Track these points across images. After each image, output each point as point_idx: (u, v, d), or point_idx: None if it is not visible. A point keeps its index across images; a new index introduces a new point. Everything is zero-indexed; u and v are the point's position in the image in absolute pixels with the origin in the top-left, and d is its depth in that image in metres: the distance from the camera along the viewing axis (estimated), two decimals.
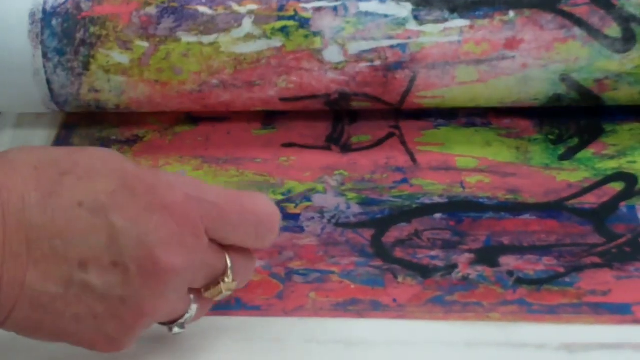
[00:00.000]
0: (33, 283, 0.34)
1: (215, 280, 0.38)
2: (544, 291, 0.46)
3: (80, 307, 0.34)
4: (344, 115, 0.56)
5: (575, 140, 0.54)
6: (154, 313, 0.36)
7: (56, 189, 0.34)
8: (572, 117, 0.55)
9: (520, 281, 0.47)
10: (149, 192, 0.35)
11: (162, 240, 0.35)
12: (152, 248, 0.34)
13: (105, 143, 0.55)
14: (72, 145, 0.55)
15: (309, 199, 0.52)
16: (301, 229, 0.50)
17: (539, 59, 0.50)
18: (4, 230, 0.33)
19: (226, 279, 0.38)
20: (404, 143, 0.55)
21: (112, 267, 0.34)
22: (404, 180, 0.53)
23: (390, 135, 0.55)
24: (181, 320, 0.39)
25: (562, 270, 0.47)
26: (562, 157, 0.53)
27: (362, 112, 0.56)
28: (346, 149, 0.55)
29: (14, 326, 0.35)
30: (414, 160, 0.54)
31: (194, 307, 0.38)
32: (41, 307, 0.34)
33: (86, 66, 0.51)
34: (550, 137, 0.54)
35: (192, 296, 0.38)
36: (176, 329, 0.39)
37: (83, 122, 0.57)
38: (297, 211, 0.51)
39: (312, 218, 0.51)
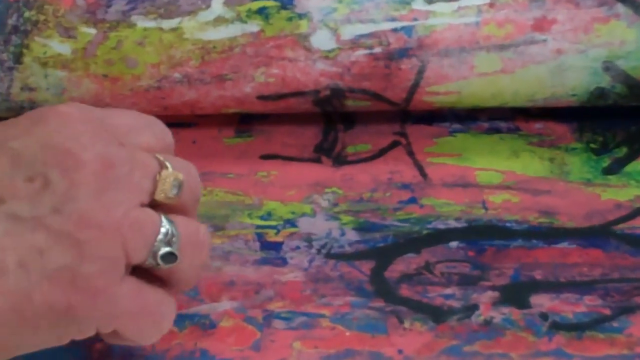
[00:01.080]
0: None
1: (156, 180, 0.39)
2: (586, 339, 0.45)
3: (18, 249, 0.35)
4: (337, 119, 0.55)
5: (624, 150, 0.53)
6: (103, 215, 0.36)
7: None
8: (619, 120, 0.54)
9: (557, 326, 0.46)
10: (34, 113, 0.38)
11: (70, 135, 0.37)
12: (62, 145, 0.36)
13: None
14: None
15: (293, 224, 0.51)
16: (284, 262, 0.49)
17: (575, 43, 0.49)
18: None
19: (166, 170, 0.39)
20: (411, 154, 0.53)
21: (29, 183, 0.36)
22: (412, 200, 0.52)
23: (394, 144, 0.54)
24: (160, 238, 0.38)
25: (608, 312, 0.46)
26: (608, 171, 0.52)
27: (359, 115, 0.54)
28: (340, 161, 0.53)
29: None
30: (424, 175, 0.53)
31: (166, 221, 0.38)
32: None
33: (18, 58, 0.50)
34: (592, 145, 0.53)
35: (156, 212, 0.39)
36: (162, 251, 0.38)
37: None
38: (278, 239, 0.50)
39: (298, 248, 0.50)
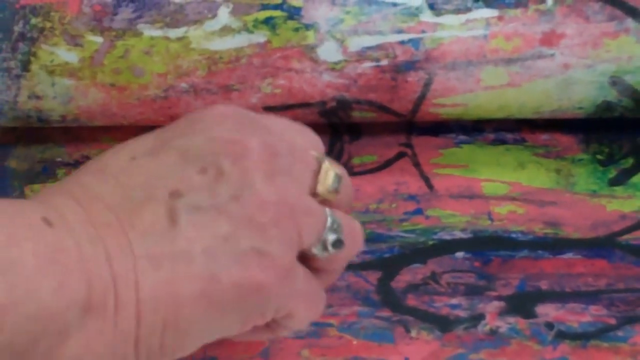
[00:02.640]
0: (138, 241, 0.37)
1: (317, 172, 0.42)
2: (591, 348, 0.47)
3: (203, 238, 0.37)
4: (343, 131, 0.56)
5: (630, 161, 0.54)
6: (279, 198, 0.39)
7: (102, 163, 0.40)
8: (626, 131, 0.54)
9: (562, 335, 0.48)
10: (191, 115, 0.42)
11: (232, 128, 0.40)
12: (227, 136, 0.39)
13: (48, 166, 0.55)
14: (8, 170, 0.55)
15: None
16: None
17: (583, 57, 0.50)
18: (84, 211, 0.37)
19: (325, 165, 0.42)
20: (417, 165, 0.54)
21: (203, 174, 0.38)
22: (418, 211, 0.53)
23: (400, 156, 0.55)
24: (329, 226, 0.41)
25: (613, 322, 0.48)
26: (614, 182, 0.53)
27: (365, 126, 0.55)
28: (346, 172, 0.52)
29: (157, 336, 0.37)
30: (430, 186, 0.54)
31: (328, 211, 0.41)
32: (164, 257, 0.37)
33: (26, 66, 0.51)
34: (599, 156, 0.54)
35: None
36: (331, 237, 0.41)
37: (21, 140, 0.56)
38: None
39: None
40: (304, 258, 0.41)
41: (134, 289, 0.36)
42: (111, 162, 0.39)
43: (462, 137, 0.55)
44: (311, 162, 0.42)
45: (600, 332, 0.48)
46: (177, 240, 0.37)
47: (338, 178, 0.42)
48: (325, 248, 0.41)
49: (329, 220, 0.41)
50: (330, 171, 0.42)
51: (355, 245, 0.43)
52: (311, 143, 0.44)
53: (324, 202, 0.42)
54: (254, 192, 0.38)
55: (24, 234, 0.35)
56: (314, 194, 0.41)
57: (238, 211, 0.38)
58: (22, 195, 0.55)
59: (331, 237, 0.40)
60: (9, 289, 0.34)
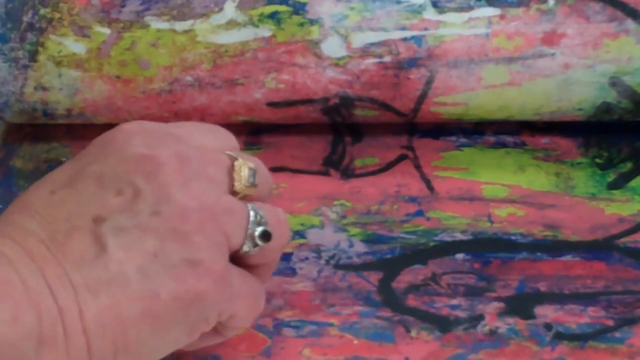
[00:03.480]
0: (73, 270, 0.37)
1: (231, 170, 0.42)
2: (589, 349, 0.47)
3: (134, 258, 0.38)
4: (345, 133, 0.56)
5: (628, 165, 0.54)
6: (198, 204, 0.39)
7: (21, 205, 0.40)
8: (625, 135, 0.55)
9: (560, 336, 0.47)
10: (99, 138, 0.42)
11: (141, 144, 0.40)
12: (137, 153, 0.39)
13: (53, 166, 0.53)
14: (13, 169, 0.56)
15: (302, 235, 0.52)
16: (293, 272, 0.50)
17: (584, 57, 0.50)
18: (20, 246, 0.38)
19: (237, 162, 0.42)
20: (418, 167, 0.55)
21: (120, 195, 0.38)
22: (419, 213, 0.53)
23: (402, 158, 0.55)
24: (252, 220, 0.41)
25: (611, 323, 0.48)
26: (612, 186, 0.53)
27: (367, 129, 0.56)
28: (348, 174, 0.55)
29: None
30: (430, 188, 0.54)
31: (250, 206, 0.41)
32: (100, 284, 0.37)
33: (33, 56, 0.51)
34: (598, 160, 0.55)
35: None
36: (257, 231, 0.41)
37: (26, 139, 0.57)
38: (288, 250, 0.51)
39: (307, 258, 0.51)
40: (237, 258, 0.41)
41: (79, 318, 0.37)
42: (33, 198, 0.40)
43: (462, 140, 0.56)
44: (224, 162, 0.42)
45: (598, 334, 0.47)
46: (109, 264, 0.37)
47: (252, 172, 0.42)
48: (254, 243, 0.41)
49: (252, 214, 0.41)
50: (244, 167, 0.42)
51: (283, 234, 0.43)
52: (223, 141, 0.44)
53: (245, 197, 0.42)
54: (173, 204, 0.39)
55: None
56: (232, 192, 0.41)
57: (161, 225, 0.38)
58: None
59: (258, 230, 0.41)
60: None
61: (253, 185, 0.42)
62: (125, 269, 0.37)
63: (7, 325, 0.35)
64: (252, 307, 0.42)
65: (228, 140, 0.44)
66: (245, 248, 0.41)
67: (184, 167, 0.40)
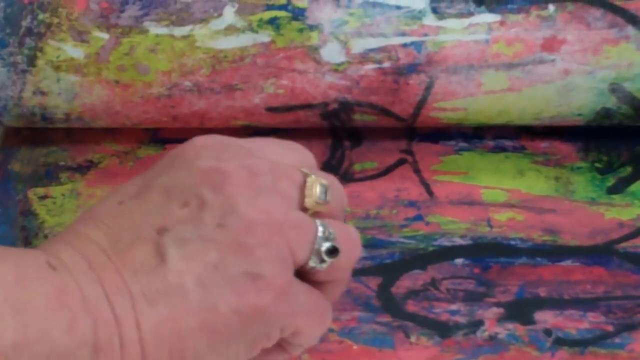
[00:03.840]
0: (132, 279, 0.37)
1: (303, 186, 0.41)
2: (588, 354, 0.47)
3: (193, 269, 0.37)
4: (344, 137, 0.56)
5: (628, 170, 0.54)
6: (265, 218, 0.39)
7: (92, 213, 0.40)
8: (624, 140, 0.55)
9: (560, 342, 0.48)
10: (171, 152, 0.41)
11: (210, 156, 0.40)
12: (206, 165, 0.39)
13: (52, 169, 0.55)
14: (11, 173, 0.56)
15: None
16: None
17: (583, 64, 0.50)
18: (81, 256, 0.38)
19: (310, 178, 0.41)
20: (418, 171, 0.55)
21: (186, 207, 0.38)
22: (418, 218, 0.53)
23: (401, 162, 0.55)
24: (320, 235, 0.40)
25: (611, 328, 0.48)
26: (612, 190, 0.54)
27: (366, 133, 0.56)
28: (347, 178, 0.55)
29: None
30: (430, 192, 0.54)
31: (319, 222, 0.40)
32: (158, 295, 0.37)
33: (32, 61, 0.51)
34: (597, 165, 0.55)
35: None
36: (324, 246, 0.40)
37: (25, 143, 0.57)
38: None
39: None
40: (304, 273, 0.41)
41: (135, 328, 0.37)
42: (101, 209, 0.40)
43: (462, 145, 0.56)
44: (295, 177, 0.41)
45: (598, 339, 0.48)
46: (168, 275, 0.37)
47: (324, 189, 0.41)
48: (321, 258, 0.40)
49: (320, 229, 0.40)
50: (316, 183, 0.41)
51: (353, 251, 0.42)
52: (299, 158, 0.43)
53: (316, 214, 0.41)
54: (239, 217, 0.38)
55: (32, 275, 0.36)
56: (303, 208, 0.41)
57: (225, 237, 0.38)
58: (25, 199, 0.56)
59: (325, 246, 0.40)
60: (22, 329, 0.35)
61: (324, 202, 0.41)
62: (184, 280, 0.37)
63: (62, 333, 0.35)
64: (317, 324, 0.42)
65: (304, 157, 0.44)
66: (312, 263, 0.40)
67: (253, 179, 0.39)
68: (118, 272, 0.37)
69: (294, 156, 0.43)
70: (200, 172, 0.39)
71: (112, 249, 0.38)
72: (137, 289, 0.37)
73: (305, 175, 0.41)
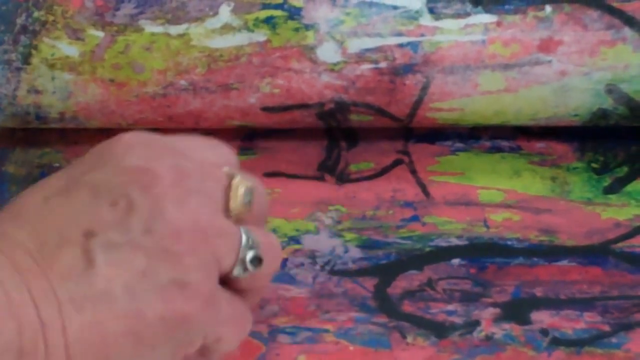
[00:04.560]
0: (59, 284, 0.37)
1: (228, 188, 0.41)
2: (585, 354, 0.48)
3: (122, 276, 0.37)
4: (340, 137, 0.56)
5: (624, 170, 0.54)
6: (192, 224, 0.39)
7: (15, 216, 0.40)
8: (620, 140, 0.55)
9: (557, 342, 0.48)
10: (98, 147, 0.41)
11: (140, 156, 0.39)
12: (135, 164, 0.39)
13: (46, 171, 0.55)
14: (6, 175, 0.56)
15: (297, 241, 0.52)
16: (288, 278, 0.51)
17: (580, 65, 0.50)
18: (6, 258, 0.37)
19: (235, 180, 0.41)
20: (414, 172, 0.55)
21: (113, 208, 0.38)
22: (415, 218, 0.53)
23: (397, 163, 0.55)
24: (244, 244, 0.41)
25: (607, 328, 0.49)
26: (608, 190, 0.54)
27: (362, 134, 0.56)
28: (343, 179, 0.55)
29: None
30: (426, 193, 0.54)
31: (243, 229, 0.41)
32: (86, 300, 0.37)
33: (26, 59, 0.51)
34: (594, 165, 0.55)
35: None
36: (249, 255, 0.40)
37: (19, 144, 0.57)
38: (283, 256, 0.51)
39: (302, 264, 0.52)
40: (227, 281, 0.41)
41: (61, 333, 0.37)
42: (26, 206, 0.39)
43: (458, 145, 0.56)
44: (221, 178, 0.42)
45: (595, 339, 0.48)
46: (96, 280, 0.37)
47: (249, 191, 0.41)
48: (244, 267, 0.40)
49: (244, 238, 0.40)
50: (241, 186, 0.41)
51: (275, 260, 0.43)
52: (223, 157, 0.44)
53: (239, 219, 0.41)
54: (166, 222, 0.38)
55: None
56: (227, 210, 0.41)
57: (152, 244, 0.38)
58: None
59: (249, 255, 0.40)
60: None
61: (249, 204, 0.41)
62: (112, 286, 0.37)
63: None
64: (238, 332, 0.42)
65: (228, 156, 0.44)
66: (236, 272, 0.41)
67: (181, 181, 0.39)
68: (45, 276, 0.37)
69: (218, 154, 0.43)
70: (129, 171, 0.39)
71: (38, 251, 0.38)
72: (64, 294, 0.37)
73: (231, 177, 0.42)
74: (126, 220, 0.38)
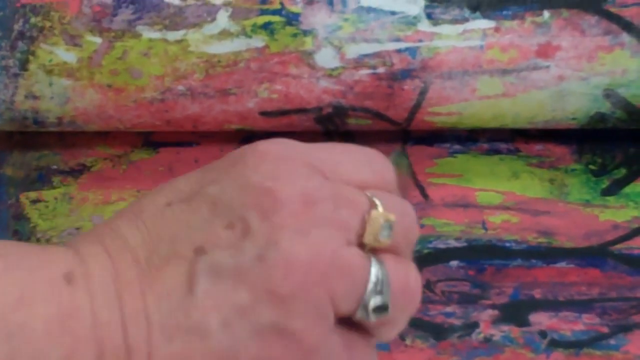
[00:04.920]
0: (154, 307, 0.35)
1: (367, 216, 0.37)
2: (584, 356, 0.48)
3: (220, 309, 0.35)
4: (338, 139, 0.56)
5: (622, 171, 0.55)
6: (309, 258, 0.35)
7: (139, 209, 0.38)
8: (618, 142, 0.55)
9: (555, 344, 0.49)
10: (233, 154, 0.38)
11: (268, 173, 0.36)
12: (260, 184, 0.36)
13: (44, 173, 0.55)
14: (4, 177, 0.56)
15: None
16: None
17: (578, 70, 0.51)
18: (112, 264, 0.36)
19: (375, 210, 0.37)
20: (412, 174, 0.55)
21: (229, 230, 0.35)
22: None
23: None
24: (371, 287, 0.36)
25: (606, 330, 0.49)
26: (606, 192, 0.54)
27: (360, 135, 0.56)
28: None
29: None
30: (424, 195, 0.54)
31: (375, 264, 0.36)
32: (178, 330, 0.35)
33: (24, 65, 0.51)
34: (592, 167, 0.55)
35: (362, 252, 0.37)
36: (373, 301, 0.36)
37: (17, 147, 0.57)
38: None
39: None
40: (346, 318, 0.36)
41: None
42: (148, 206, 0.37)
43: (456, 147, 0.56)
44: (361, 205, 0.37)
45: (593, 341, 0.49)
46: (193, 310, 0.35)
47: (389, 225, 0.36)
48: (367, 313, 0.35)
49: (373, 278, 0.36)
50: (381, 218, 0.36)
51: (406, 307, 0.37)
52: (374, 175, 0.39)
53: (375, 249, 0.36)
54: (280, 254, 0.35)
55: (39, 294, 0.34)
56: (360, 242, 0.36)
57: (260, 277, 0.34)
58: (17, 203, 0.56)
59: (373, 302, 0.35)
60: (11, 355, 0.33)
61: (387, 238, 0.36)
62: (208, 320, 0.35)
63: None
64: None
65: (383, 173, 0.39)
66: (359, 316, 0.36)
67: (307, 209, 0.36)
68: (142, 295, 0.35)
69: (368, 172, 0.39)
70: (253, 191, 0.36)
71: (146, 260, 0.36)
72: (156, 320, 0.35)
73: (372, 205, 0.37)
74: (239, 244, 0.35)
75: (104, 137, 0.56)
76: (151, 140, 0.57)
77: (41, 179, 0.56)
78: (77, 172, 0.56)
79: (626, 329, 0.49)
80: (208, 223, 0.36)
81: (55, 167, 0.57)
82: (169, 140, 0.56)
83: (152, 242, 0.36)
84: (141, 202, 0.38)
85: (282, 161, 0.37)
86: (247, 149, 0.38)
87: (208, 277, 0.35)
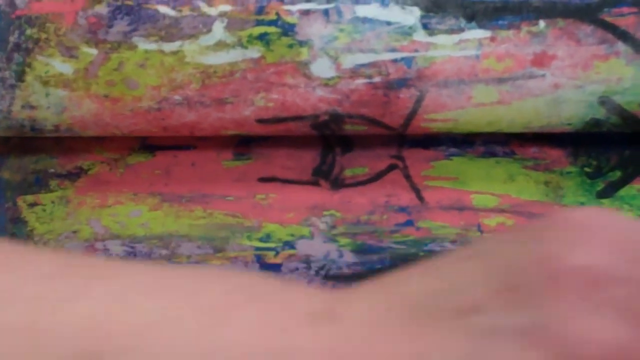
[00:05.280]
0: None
1: None
2: None
3: None
4: (335, 143, 0.56)
5: (617, 174, 0.55)
6: (588, 339, 0.29)
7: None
8: (614, 145, 0.55)
9: None
10: (542, 221, 0.33)
11: (567, 240, 0.30)
12: (546, 249, 0.30)
13: (41, 177, 0.56)
14: (1, 181, 0.56)
15: (292, 246, 0.53)
16: None
17: (574, 78, 0.51)
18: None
19: None
20: (408, 177, 0.56)
21: (509, 293, 0.30)
22: (409, 223, 0.54)
23: (391, 168, 0.56)
24: None
25: None
26: (601, 195, 0.54)
27: (357, 139, 0.56)
28: (338, 184, 0.55)
29: None
30: (420, 198, 0.55)
31: None
32: None
33: (20, 76, 0.51)
34: (587, 169, 0.55)
35: None
36: None
37: (14, 150, 0.57)
38: (277, 261, 0.52)
39: (296, 269, 0.52)
40: None
41: None
42: (440, 261, 0.33)
43: (452, 150, 0.56)
44: None
45: None
46: None
47: None
48: None
49: None
50: None
51: None
52: None
53: None
54: (560, 326, 0.29)
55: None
56: None
57: (537, 346, 0.29)
58: (14, 206, 0.57)
59: None
60: None
61: None
62: None
63: None
64: None
65: None
66: None
67: (588, 287, 0.30)
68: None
69: None
70: (540, 254, 0.31)
71: (411, 314, 0.31)
72: None
73: None
74: (512, 305, 0.30)
75: (101, 141, 0.57)
76: (148, 143, 0.57)
77: (38, 183, 0.56)
78: (74, 175, 0.57)
79: None
80: (483, 283, 0.31)
81: (52, 170, 0.57)
82: (165, 143, 0.57)
83: (425, 291, 0.32)
84: (439, 260, 0.34)
85: (592, 232, 0.31)
86: (558, 215, 0.33)
87: (479, 338, 0.30)
